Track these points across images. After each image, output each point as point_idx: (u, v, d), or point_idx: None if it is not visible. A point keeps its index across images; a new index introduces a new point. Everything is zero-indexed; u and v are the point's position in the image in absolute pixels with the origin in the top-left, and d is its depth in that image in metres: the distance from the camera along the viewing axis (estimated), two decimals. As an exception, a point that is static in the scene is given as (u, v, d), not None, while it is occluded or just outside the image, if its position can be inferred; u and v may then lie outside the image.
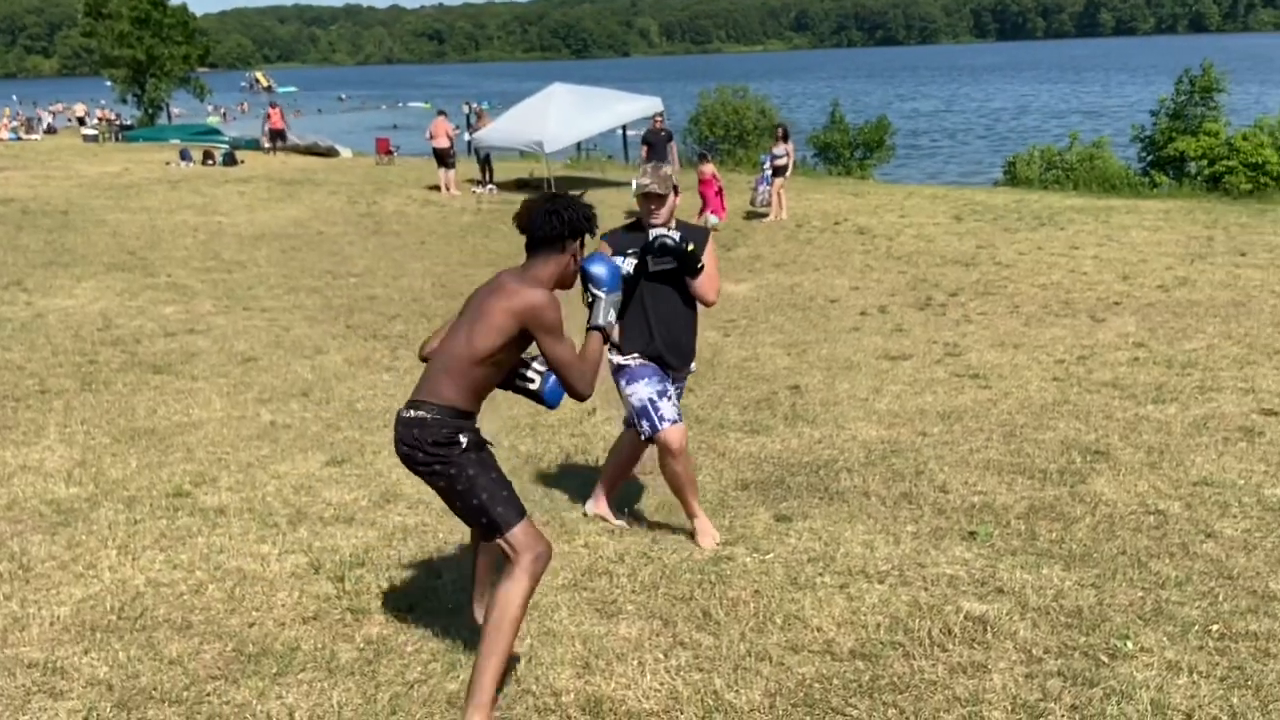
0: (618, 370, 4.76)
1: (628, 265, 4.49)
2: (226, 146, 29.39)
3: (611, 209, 18.88)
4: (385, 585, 4.31)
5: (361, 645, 3.91)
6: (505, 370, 3.50)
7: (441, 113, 22.20)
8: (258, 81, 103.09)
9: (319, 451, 6.34)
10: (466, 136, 23.50)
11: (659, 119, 18.37)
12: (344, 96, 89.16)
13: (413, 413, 3.39)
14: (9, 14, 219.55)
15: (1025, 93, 71.18)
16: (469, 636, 3.91)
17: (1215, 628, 3.88)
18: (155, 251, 14.25)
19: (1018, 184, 22.29)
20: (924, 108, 59.80)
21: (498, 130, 21.97)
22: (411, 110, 67.76)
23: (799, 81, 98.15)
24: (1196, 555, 4.63)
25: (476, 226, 17.06)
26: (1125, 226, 15.84)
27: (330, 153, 30.29)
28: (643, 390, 4.65)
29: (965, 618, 3.95)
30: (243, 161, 26.88)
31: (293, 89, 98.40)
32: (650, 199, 4.66)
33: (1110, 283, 11.88)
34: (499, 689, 3.33)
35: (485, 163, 21.89)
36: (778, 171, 17.33)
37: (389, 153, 27.84)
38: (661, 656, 3.77)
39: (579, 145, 26.68)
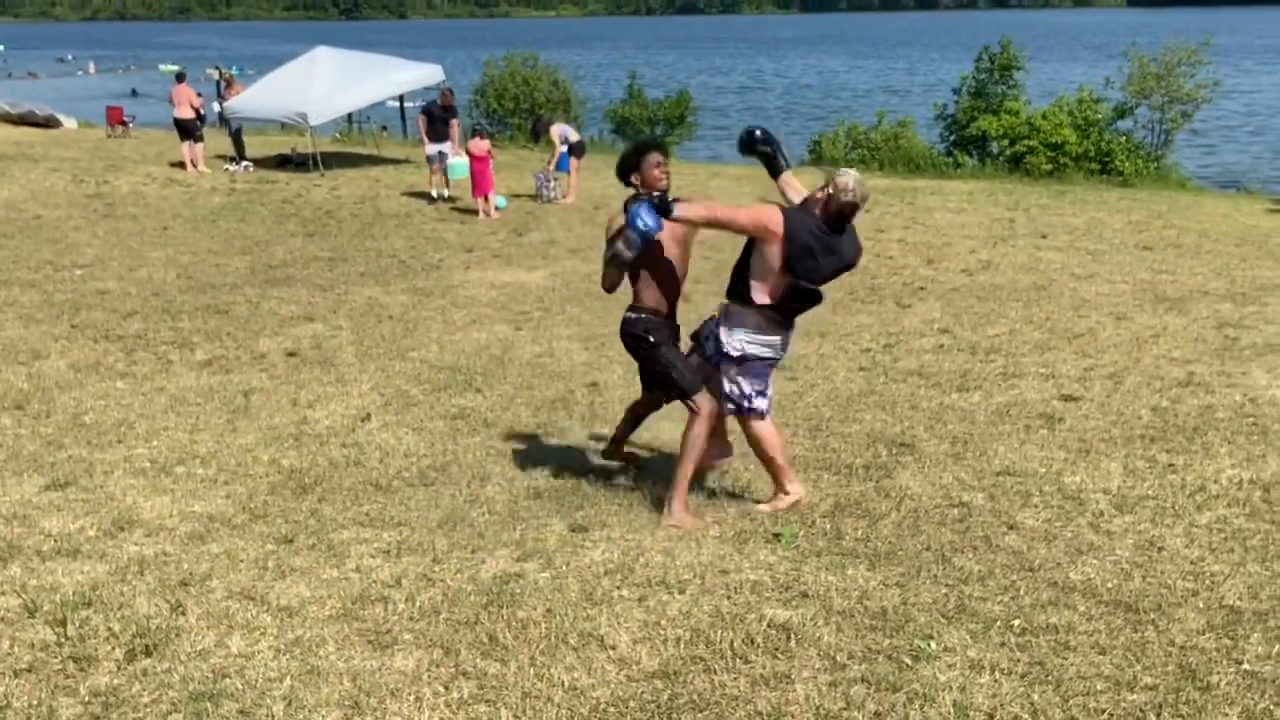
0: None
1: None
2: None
3: (388, 189, 18.51)
4: (116, 627, 4.06)
5: (87, 698, 3.67)
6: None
7: (180, 77, 21.12)
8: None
9: (36, 474, 5.92)
10: (216, 107, 22.45)
11: (447, 93, 18.09)
12: (71, 57, 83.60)
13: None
14: None
15: (834, 69, 74.11)
16: (216, 680, 3.74)
17: (1017, 623, 4.16)
18: None
19: (823, 164, 23.20)
20: (730, 83, 61.35)
21: (253, 100, 21.08)
22: (159, 75, 63.83)
23: (595, 51, 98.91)
24: (999, 548, 4.94)
25: (229, 209, 16.36)
26: (930, 208, 16.76)
27: (50, 123, 28.30)
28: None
29: (768, 626, 4.08)
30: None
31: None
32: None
33: (916, 267, 12.55)
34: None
35: (236, 136, 21.00)
36: (574, 150, 17.42)
37: (123, 123, 26.28)
38: (442, 689, 3.72)
39: (350, 117, 25.96)
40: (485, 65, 28.55)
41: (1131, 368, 8.32)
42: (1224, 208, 17.59)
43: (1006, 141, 21.84)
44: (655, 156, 5.37)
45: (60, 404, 7.35)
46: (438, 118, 17.40)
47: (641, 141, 5.70)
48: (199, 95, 20.73)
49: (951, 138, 23.62)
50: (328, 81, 20.16)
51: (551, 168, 17.50)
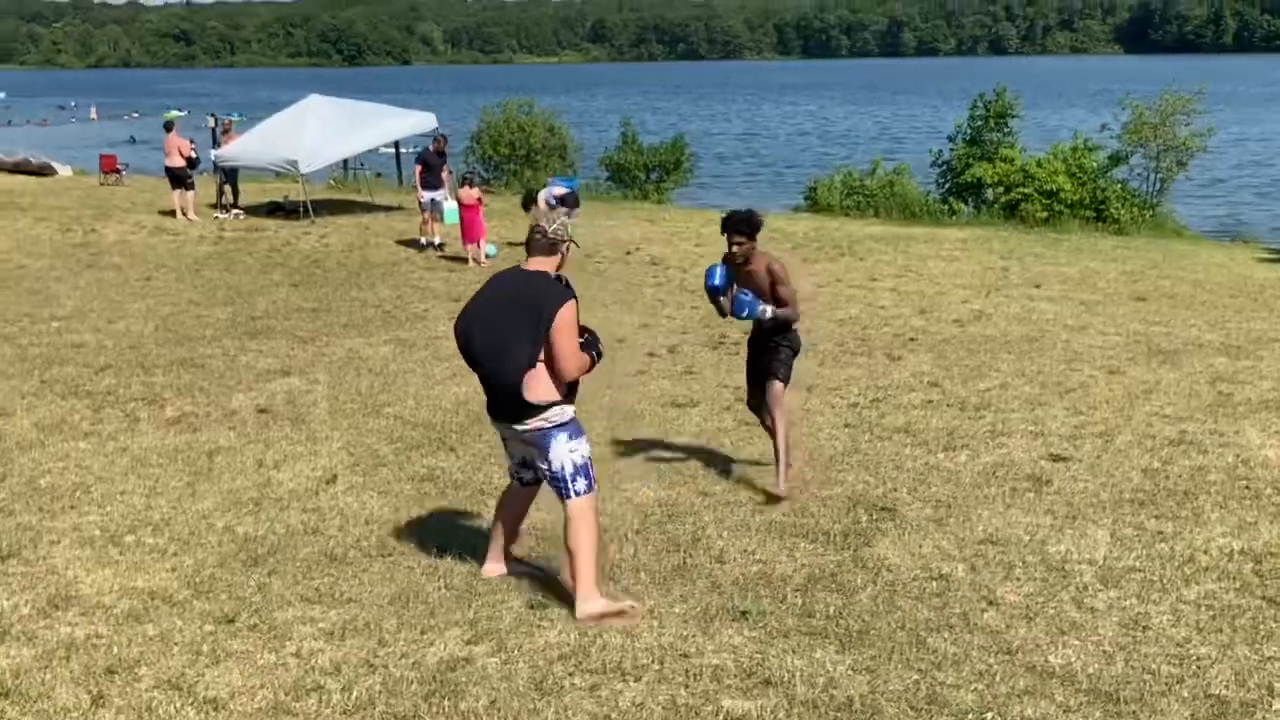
0: (568, 423, 5.00)
1: None
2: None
3: (378, 236, 18.40)
4: (30, 721, 3.83)
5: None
6: None
7: (169, 125, 21.11)
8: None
9: (-20, 544, 5.70)
10: (213, 154, 22.37)
11: (441, 140, 18.05)
12: (74, 104, 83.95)
13: None
14: None
15: (834, 115, 74.33)
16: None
17: (990, 716, 3.92)
18: None
19: (819, 210, 23.09)
20: (731, 129, 61.50)
21: (246, 147, 21.04)
22: (163, 121, 63.92)
23: (596, 97, 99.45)
24: (976, 627, 4.71)
25: (215, 258, 16.23)
26: (924, 257, 16.60)
27: (45, 171, 28.35)
28: (586, 448, 5.07)
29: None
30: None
31: (0, 95, 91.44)
32: None
33: (908, 317, 12.36)
34: None
35: (230, 182, 20.93)
36: (564, 201, 17.33)
37: (116, 171, 26.27)
38: (370, 794, 3.49)
39: (345, 164, 25.95)
40: (483, 111, 28.52)
41: (1123, 425, 8.10)
42: (1220, 257, 17.44)
43: (1001, 189, 21.74)
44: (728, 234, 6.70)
45: (18, 466, 7.14)
46: (434, 165, 17.35)
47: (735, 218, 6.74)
48: (191, 142, 20.71)
49: (947, 185, 23.51)
50: (320, 129, 20.15)
51: None
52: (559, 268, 5.01)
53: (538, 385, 4.82)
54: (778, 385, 6.86)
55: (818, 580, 5.26)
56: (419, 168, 17.48)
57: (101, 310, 12.52)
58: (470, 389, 9.40)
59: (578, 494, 4.91)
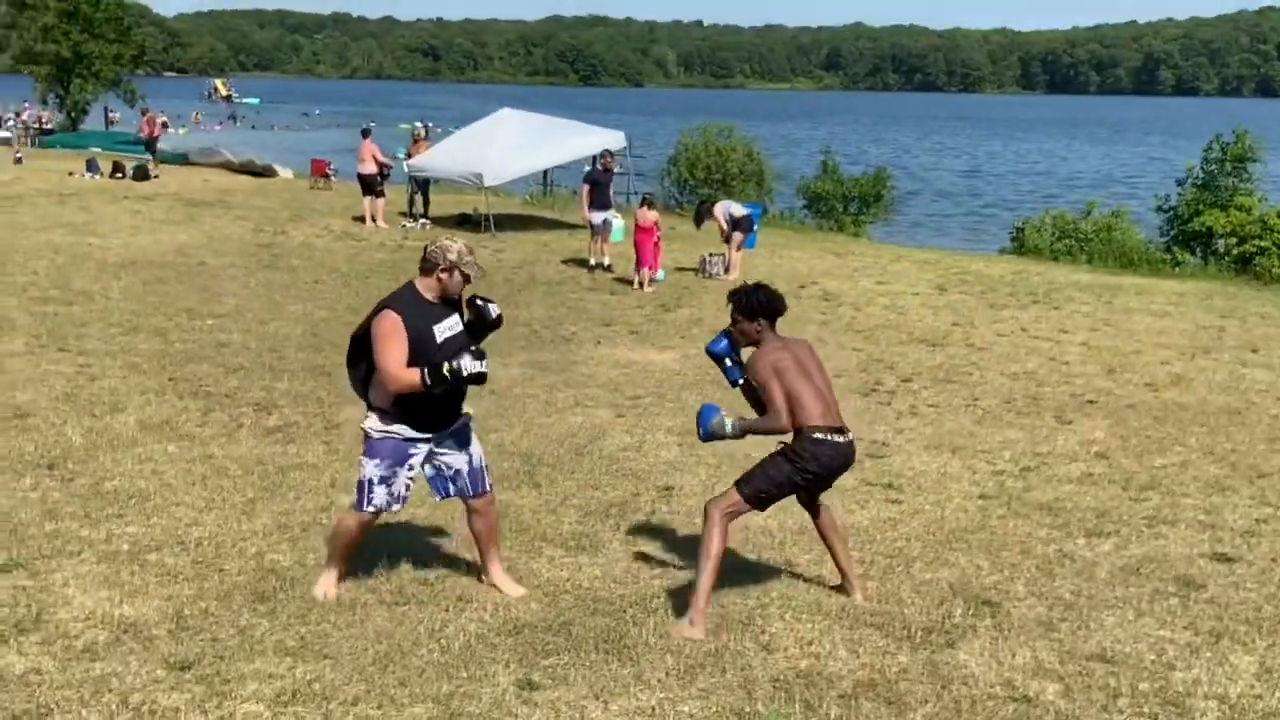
0: (374, 441, 5.20)
1: None
2: (148, 158, 28.87)
3: (551, 254, 18.27)
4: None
5: None
6: None
7: (366, 133, 21.65)
8: (216, 90, 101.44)
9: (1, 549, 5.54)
10: (405, 164, 22.91)
11: (608, 158, 17.80)
12: (317, 111, 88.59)
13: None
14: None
15: (1071, 154, 70.56)
16: None
17: None
18: (-7, 275, 13.59)
19: (1025, 253, 21.66)
20: (957, 164, 59.18)
21: (436, 159, 21.40)
22: (398, 132, 66.66)
23: (822, 125, 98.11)
24: (1040, 777, 3.83)
25: (386, 267, 16.38)
26: (1129, 310, 15.13)
27: (267, 172, 29.84)
28: (372, 472, 5.14)
29: None
30: (157, 176, 26.36)
31: (255, 100, 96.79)
32: None
33: (1092, 376, 11.14)
34: None
35: (421, 192, 21.29)
36: (736, 225, 16.70)
37: (325, 175, 27.34)
38: None
39: (546, 180, 26.14)
40: (681, 134, 28.21)
41: (1318, 525, 6.86)
42: None
43: (1234, 240, 19.79)
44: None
45: (94, 467, 7.06)
46: (602, 184, 17.08)
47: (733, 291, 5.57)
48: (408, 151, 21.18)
49: (1172, 232, 21.64)
50: (507, 144, 20.26)
51: (733, 248, 16.65)
52: (442, 293, 5.26)
53: (374, 388, 5.23)
54: (730, 495, 5.24)
55: (870, 687, 4.47)
56: (587, 187, 17.22)
57: (259, 311, 12.71)
58: (584, 418, 8.96)
59: (352, 505, 5.25)
